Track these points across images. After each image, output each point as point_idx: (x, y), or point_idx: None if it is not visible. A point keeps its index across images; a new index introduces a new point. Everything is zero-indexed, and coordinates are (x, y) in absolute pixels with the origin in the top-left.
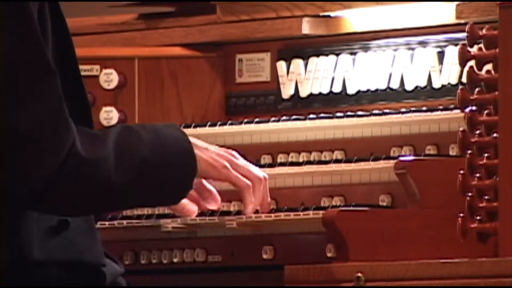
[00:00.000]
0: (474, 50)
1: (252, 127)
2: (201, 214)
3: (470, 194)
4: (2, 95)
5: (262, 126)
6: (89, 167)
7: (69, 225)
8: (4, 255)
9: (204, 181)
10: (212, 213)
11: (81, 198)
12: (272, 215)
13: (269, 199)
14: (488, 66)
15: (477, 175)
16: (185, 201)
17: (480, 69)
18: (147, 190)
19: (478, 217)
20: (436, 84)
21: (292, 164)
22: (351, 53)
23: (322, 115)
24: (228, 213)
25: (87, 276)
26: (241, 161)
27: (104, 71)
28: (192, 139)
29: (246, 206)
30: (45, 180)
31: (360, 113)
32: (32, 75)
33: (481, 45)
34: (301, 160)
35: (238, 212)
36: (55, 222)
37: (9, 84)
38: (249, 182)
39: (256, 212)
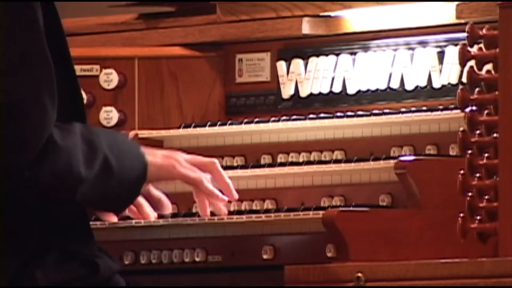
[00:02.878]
0: (474, 50)
1: (252, 127)
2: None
3: (470, 194)
4: None
5: (262, 126)
6: (64, 155)
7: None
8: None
9: (151, 189)
10: (213, 213)
11: (54, 185)
12: (272, 215)
13: (230, 184)
14: (488, 66)
15: (477, 175)
16: (143, 203)
17: (480, 69)
18: (105, 188)
19: (478, 217)
20: (436, 84)
21: (292, 164)
22: (351, 53)
23: (322, 115)
24: (227, 213)
25: (81, 264)
26: (187, 156)
27: (104, 71)
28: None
29: (211, 195)
30: (28, 160)
31: (360, 113)
32: (26, 59)
33: (481, 45)
34: (301, 160)
35: (238, 212)
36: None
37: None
38: (200, 175)
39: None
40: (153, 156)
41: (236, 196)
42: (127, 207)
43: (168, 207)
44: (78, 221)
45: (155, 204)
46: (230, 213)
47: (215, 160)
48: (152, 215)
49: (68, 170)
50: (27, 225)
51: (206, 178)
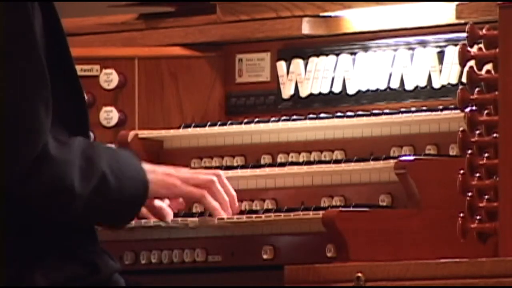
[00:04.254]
0: (474, 50)
1: (252, 127)
2: (200, 214)
3: (470, 194)
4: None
5: (262, 126)
6: (58, 168)
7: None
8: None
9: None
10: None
11: (46, 198)
12: (272, 215)
13: (232, 192)
14: (488, 66)
15: (477, 175)
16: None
17: (480, 69)
18: (101, 205)
19: (478, 217)
20: (436, 84)
21: (292, 164)
22: (351, 53)
23: (322, 115)
24: None
25: (81, 266)
26: (187, 174)
27: (104, 71)
28: (142, 164)
29: (213, 211)
30: (22, 170)
31: (360, 113)
32: (19, 65)
33: (481, 45)
34: (301, 160)
35: (238, 212)
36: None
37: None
38: (202, 191)
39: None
40: (155, 174)
41: (237, 208)
42: (126, 224)
43: (170, 216)
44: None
45: (156, 212)
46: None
47: (214, 178)
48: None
49: (62, 184)
50: (27, 225)
51: (207, 194)
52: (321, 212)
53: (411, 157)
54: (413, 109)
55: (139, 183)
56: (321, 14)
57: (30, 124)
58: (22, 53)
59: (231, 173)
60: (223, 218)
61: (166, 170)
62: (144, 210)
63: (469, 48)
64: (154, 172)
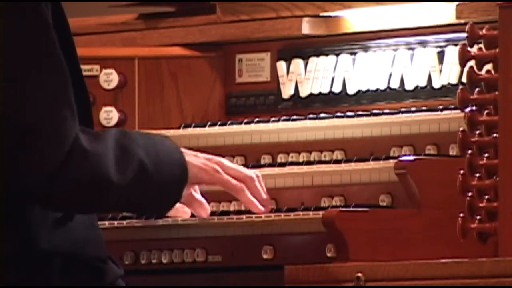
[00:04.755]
0: (474, 50)
1: (252, 127)
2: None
3: (470, 194)
4: (10, 86)
5: (262, 126)
6: (91, 160)
7: (73, 217)
8: (10, 245)
9: (193, 192)
10: (213, 213)
11: (82, 192)
12: (272, 215)
13: (265, 196)
14: (488, 66)
15: (477, 175)
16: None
17: (480, 69)
18: (142, 193)
19: (478, 217)
20: (436, 84)
21: (292, 164)
22: (351, 53)
23: (322, 115)
24: (227, 213)
25: (87, 272)
26: (230, 164)
27: (104, 71)
28: (182, 149)
29: (250, 205)
30: (50, 171)
31: (360, 113)
32: (42, 67)
33: (481, 45)
34: (301, 160)
35: (238, 212)
36: (60, 214)
37: (19, 76)
38: (241, 184)
39: (246, 212)
40: (196, 157)
41: (270, 206)
42: (168, 211)
43: (208, 211)
44: (87, 226)
45: (195, 207)
46: (230, 213)
47: (253, 176)
48: (188, 213)
49: (97, 176)
50: (32, 230)
51: (245, 188)
52: (321, 212)
53: (411, 157)
54: (413, 109)
55: (178, 167)
56: (321, 14)
57: (56, 129)
58: (44, 54)
59: None
60: (223, 218)
61: (208, 156)
62: (179, 206)
63: (469, 48)
64: (196, 155)
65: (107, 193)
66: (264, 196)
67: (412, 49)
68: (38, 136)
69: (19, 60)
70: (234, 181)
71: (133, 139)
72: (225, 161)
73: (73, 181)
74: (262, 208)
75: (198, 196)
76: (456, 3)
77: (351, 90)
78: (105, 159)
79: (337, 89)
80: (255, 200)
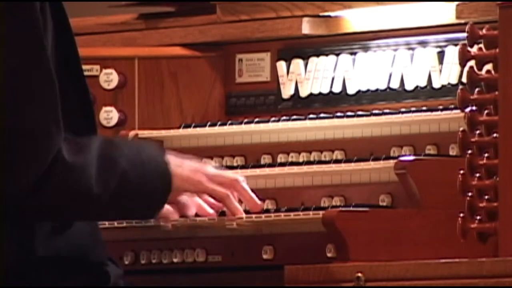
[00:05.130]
0: (474, 50)
1: (252, 127)
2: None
3: (470, 194)
4: (3, 98)
5: (262, 126)
6: (73, 173)
7: (72, 225)
8: (9, 251)
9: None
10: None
11: (63, 204)
12: (272, 215)
13: (254, 198)
14: (488, 66)
15: (477, 175)
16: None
17: (480, 69)
18: (124, 203)
19: (478, 217)
20: (436, 84)
21: (292, 164)
22: (351, 53)
23: (322, 115)
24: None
25: (90, 276)
26: (214, 171)
27: (104, 71)
28: (168, 156)
29: (235, 211)
30: (31, 183)
31: (360, 113)
32: (33, 82)
33: (481, 45)
34: (301, 160)
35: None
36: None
37: (10, 89)
38: (226, 191)
39: (248, 212)
40: (180, 168)
41: (260, 206)
42: (152, 218)
43: (192, 211)
44: (86, 230)
45: (180, 207)
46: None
47: (239, 178)
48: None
49: (79, 188)
50: (30, 234)
51: (232, 194)
52: (321, 212)
53: (411, 157)
54: (413, 109)
55: (162, 178)
56: (321, 14)
57: (41, 142)
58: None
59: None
60: (223, 218)
61: (193, 165)
62: (169, 209)
63: (469, 48)
64: (181, 166)
65: (89, 206)
66: (252, 195)
67: (412, 49)
68: (21, 147)
69: (8, 69)
70: (218, 189)
71: (118, 149)
72: (209, 170)
73: (54, 193)
74: (259, 204)
75: (182, 198)
76: (456, 3)
77: (351, 90)
78: (87, 171)
79: (337, 89)
80: (239, 207)
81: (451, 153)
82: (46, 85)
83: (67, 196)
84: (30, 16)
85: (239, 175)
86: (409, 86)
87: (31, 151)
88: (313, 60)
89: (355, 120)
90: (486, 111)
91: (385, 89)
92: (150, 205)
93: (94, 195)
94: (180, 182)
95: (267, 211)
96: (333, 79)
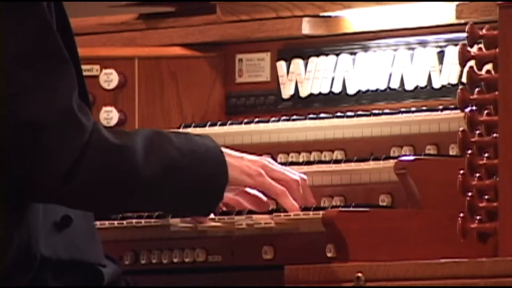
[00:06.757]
0: (474, 50)
1: (252, 127)
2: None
3: (470, 194)
4: (17, 85)
5: (262, 126)
6: (114, 151)
7: (72, 221)
8: (8, 251)
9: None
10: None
11: (104, 187)
12: (272, 215)
13: (312, 199)
14: (488, 66)
15: (477, 175)
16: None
17: (480, 69)
18: (174, 193)
19: (478, 217)
20: (436, 84)
21: (292, 164)
22: (351, 53)
23: (322, 115)
24: (228, 213)
25: (86, 276)
26: (276, 166)
27: (104, 71)
28: (225, 149)
29: (290, 210)
30: (66, 167)
31: (360, 113)
32: (47, 64)
33: (481, 45)
34: (301, 160)
35: (238, 213)
36: (59, 218)
37: (25, 75)
38: (283, 188)
39: (251, 212)
40: (238, 160)
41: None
42: (211, 211)
43: (268, 205)
44: (85, 231)
45: (253, 201)
46: (230, 213)
47: (299, 179)
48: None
49: (122, 168)
50: (30, 235)
51: (290, 187)
52: (321, 212)
53: (411, 157)
54: (413, 109)
55: (216, 167)
56: (321, 14)
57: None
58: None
59: None
60: (223, 218)
61: (253, 157)
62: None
63: (469, 48)
64: (241, 158)
65: (135, 189)
66: (308, 199)
67: (412, 49)
68: (48, 133)
69: (26, 60)
70: (276, 186)
71: (166, 138)
72: (270, 163)
73: (94, 174)
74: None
75: (251, 191)
76: (456, 3)
77: (351, 90)
78: (131, 151)
79: (337, 89)
80: (296, 205)
81: (451, 153)
82: (61, 71)
83: (107, 177)
84: (38, 12)
85: (300, 175)
86: (409, 86)
87: (59, 135)
88: (313, 60)
89: (355, 120)
90: (486, 111)
91: (385, 89)
92: (205, 195)
93: (141, 177)
94: (238, 173)
95: (267, 211)
96: (333, 79)
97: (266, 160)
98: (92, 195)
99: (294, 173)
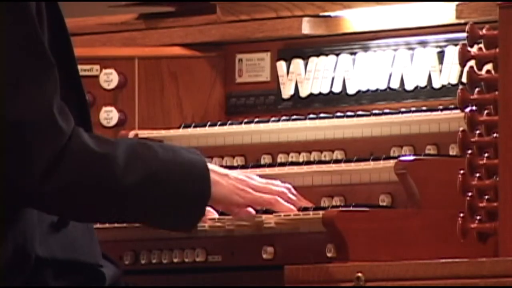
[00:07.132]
0: (474, 50)
1: (252, 127)
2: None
3: (470, 194)
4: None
5: (262, 126)
6: (94, 158)
7: (68, 223)
8: (5, 251)
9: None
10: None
11: (81, 193)
12: (272, 215)
13: (305, 201)
14: (488, 66)
15: (477, 175)
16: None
17: (480, 69)
18: (153, 204)
19: (478, 217)
20: (436, 84)
21: (292, 164)
22: (351, 53)
23: (322, 115)
24: (228, 213)
25: (85, 277)
26: (259, 182)
27: (104, 71)
28: (211, 166)
29: (288, 212)
30: (43, 169)
31: (360, 113)
32: (31, 66)
33: (481, 45)
34: (301, 160)
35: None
36: (55, 219)
37: (7, 76)
38: (274, 196)
39: (257, 211)
40: (226, 179)
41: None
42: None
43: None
44: (83, 232)
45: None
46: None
47: (285, 190)
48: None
49: (100, 174)
50: (27, 235)
51: (279, 196)
52: (321, 212)
53: (411, 157)
54: (413, 109)
55: (199, 182)
56: (321, 14)
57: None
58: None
59: None
60: (223, 218)
61: (239, 175)
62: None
63: (469, 48)
64: (227, 176)
65: (114, 197)
66: (302, 202)
67: (412, 49)
68: (26, 133)
69: (8, 59)
70: (267, 197)
71: (151, 149)
72: (254, 181)
73: (71, 178)
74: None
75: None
76: (456, 3)
77: (351, 90)
78: (112, 159)
79: (337, 89)
80: (291, 206)
81: (451, 153)
82: (45, 72)
83: (87, 183)
84: (26, 15)
85: (286, 186)
86: (409, 86)
87: (37, 136)
88: (313, 60)
89: (355, 120)
90: (486, 111)
91: (385, 89)
92: (186, 209)
93: (120, 186)
94: (228, 193)
95: (267, 211)
96: (333, 79)
97: (247, 176)
98: (68, 200)
99: (278, 185)
